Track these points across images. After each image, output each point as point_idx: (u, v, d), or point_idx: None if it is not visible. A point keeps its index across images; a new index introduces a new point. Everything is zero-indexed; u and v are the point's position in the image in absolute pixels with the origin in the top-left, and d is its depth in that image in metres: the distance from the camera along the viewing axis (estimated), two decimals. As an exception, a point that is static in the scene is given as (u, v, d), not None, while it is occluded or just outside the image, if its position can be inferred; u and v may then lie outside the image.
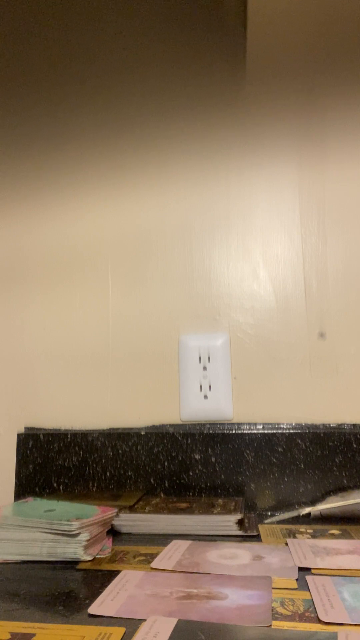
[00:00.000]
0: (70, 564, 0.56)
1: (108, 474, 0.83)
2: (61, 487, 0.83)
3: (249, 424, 0.82)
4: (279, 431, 0.80)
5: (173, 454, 0.82)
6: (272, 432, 0.80)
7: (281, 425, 0.81)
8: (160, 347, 0.87)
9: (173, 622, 0.40)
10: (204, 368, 0.84)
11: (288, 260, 0.86)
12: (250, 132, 0.90)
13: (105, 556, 0.58)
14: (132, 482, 0.82)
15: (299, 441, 0.79)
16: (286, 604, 0.44)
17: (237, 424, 0.82)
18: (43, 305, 0.92)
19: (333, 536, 0.64)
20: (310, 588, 0.47)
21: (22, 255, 0.95)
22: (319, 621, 0.40)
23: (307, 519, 0.73)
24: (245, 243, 0.88)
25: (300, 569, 0.52)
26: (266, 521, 0.73)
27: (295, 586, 0.48)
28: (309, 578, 0.49)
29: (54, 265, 0.93)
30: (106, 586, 0.49)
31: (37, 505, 0.68)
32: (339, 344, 0.82)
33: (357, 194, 0.86)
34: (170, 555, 0.57)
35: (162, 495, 0.81)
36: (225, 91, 0.92)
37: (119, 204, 0.93)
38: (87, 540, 0.57)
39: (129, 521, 0.67)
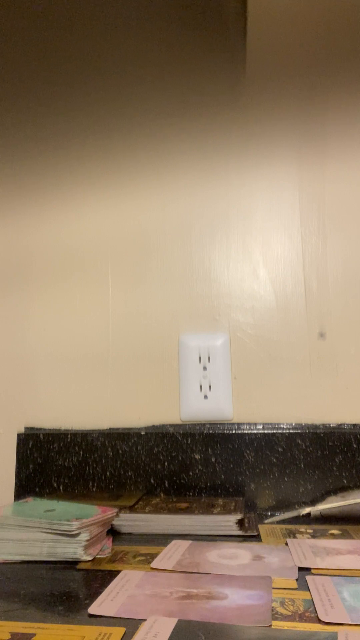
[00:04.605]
0: (70, 564, 0.56)
1: (108, 474, 0.83)
2: (61, 487, 0.83)
3: (249, 424, 0.82)
4: (279, 431, 0.80)
5: (173, 454, 0.82)
6: (272, 432, 0.80)
7: (281, 425, 0.81)
8: (160, 347, 0.87)
9: (173, 622, 0.40)
10: (204, 368, 0.84)
11: (288, 260, 0.86)
12: (250, 132, 0.90)
13: (105, 556, 0.58)
14: (132, 482, 0.82)
15: (299, 441, 0.79)
16: (286, 604, 0.44)
17: (237, 424, 0.82)
18: (43, 305, 0.92)
19: (333, 536, 0.64)
20: (310, 588, 0.47)
21: (22, 255, 0.95)
22: (319, 621, 0.40)
23: (307, 519, 0.73)
24: (245, 243, 0.88)
25: (300, 569, 0.52)
26: (266, 521, 0.73)
27: (295, 586, 0.48)
28: (309, 578, 0.49)
29: (54, 265, 0.93)
30: (106, 586, 0.49)
31: (37, 505, 0.68)
32: (339, 344, 0.82)
33: (357, 194, 0.86)
34: (170, 555, 0.57)
35: (162, 495, 0.81)
36: (225, 91, 0.92)
37: (120, 204, 0.93)
38: (87, 540, 0.57)
39: (129, 521, 0.67)
